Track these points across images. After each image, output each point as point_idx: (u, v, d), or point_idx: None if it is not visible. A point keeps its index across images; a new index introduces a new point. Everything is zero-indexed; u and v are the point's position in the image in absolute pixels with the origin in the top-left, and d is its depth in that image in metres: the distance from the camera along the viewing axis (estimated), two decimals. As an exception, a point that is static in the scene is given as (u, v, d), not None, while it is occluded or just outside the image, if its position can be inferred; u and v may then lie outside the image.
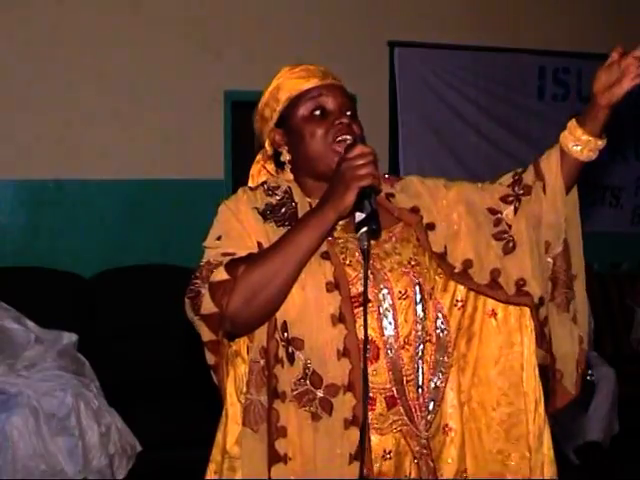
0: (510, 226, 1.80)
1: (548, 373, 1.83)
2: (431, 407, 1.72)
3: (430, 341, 1.72)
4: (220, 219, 1.73)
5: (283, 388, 1.63)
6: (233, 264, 1.62)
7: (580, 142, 1.77)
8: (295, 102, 1.74)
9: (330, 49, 5.22)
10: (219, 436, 1.76)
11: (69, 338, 4.10)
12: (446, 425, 1.77)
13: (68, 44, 4.85)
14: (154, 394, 4.34)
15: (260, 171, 1.90)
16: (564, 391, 1.85)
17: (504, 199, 1.83)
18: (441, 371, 1.74)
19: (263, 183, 1.80)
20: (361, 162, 1.58)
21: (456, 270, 1.75)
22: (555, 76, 5.89)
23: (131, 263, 4.86)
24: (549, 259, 1.82)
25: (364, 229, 1.58)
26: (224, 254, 1.64)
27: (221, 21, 5.13)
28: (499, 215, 1.81)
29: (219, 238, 1.69)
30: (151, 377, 4.47)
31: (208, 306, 1.61)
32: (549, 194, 1.82)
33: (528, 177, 1.85)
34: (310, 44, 5.17)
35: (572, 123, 1.77)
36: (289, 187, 1.77)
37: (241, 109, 5.42)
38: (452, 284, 1.79)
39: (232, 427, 1.73)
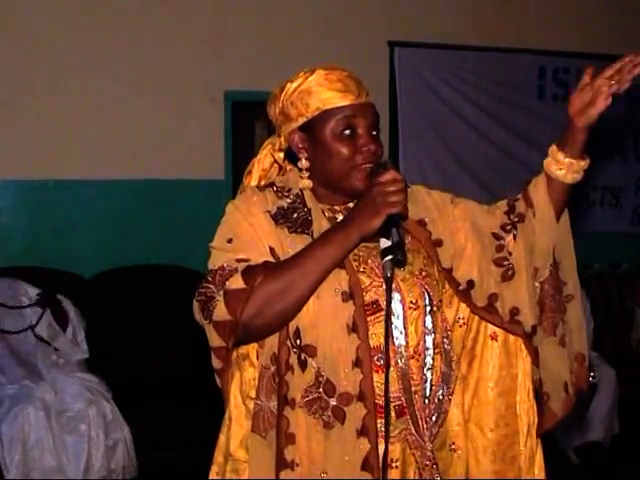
0: (511, 254, 1.81)
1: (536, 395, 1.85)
2: (435, 418, 1.72)
3: (439, 353, 1.73)
4: (230, 220, 1.71)
5: (293, 395, 1.63)
6: (250, 272, 1.61)
7: (563, 165, 1.77)
8: (326, 116, 1.72)
9: (330, 49, 5.21)
10: (222, 438, 1.76)
11: (83, 352, 4.16)
12: (453, 443, 1.78)
13: (68, 44, 4.85)
14: (154, 394, 4.34)
15: (267, 157, 1.89)
16: (550, 413, 1.85)
17: (503, 227, 1.85)
18: (446, 383, 1.75)
19: (271, 184, 1.79)
20: (393, 189, 1.60)
21: (460, 288, 1.78)
22: (555, 76, 5.89)
23: (131, 263, 4.86)
24: (537, 284, 1.82)
25: (389, 257, 1.59)
26: (238, 260, 1.63)
27: (221, 21, 5.13)
28: (502, 241, 1.83)
29: (230, 241, 1.67)
30: (151, 377, 4.47)
31: (221, 313, 1.61)
32: (540, 221, 1.81)
33: (520, 205, 1.85)
34: (310, 44, 5.17)
35: (553, 148, 1.78)
36: (300, 191, 1.76)
37: (241, 109, 5.43)
38: (456, 301, 1.81)
39: (236, 429, 1.73)
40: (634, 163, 6.14)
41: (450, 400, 1.77)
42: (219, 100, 5.14)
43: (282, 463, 1.63)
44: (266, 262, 1.63)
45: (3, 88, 4.78)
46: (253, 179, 1.89)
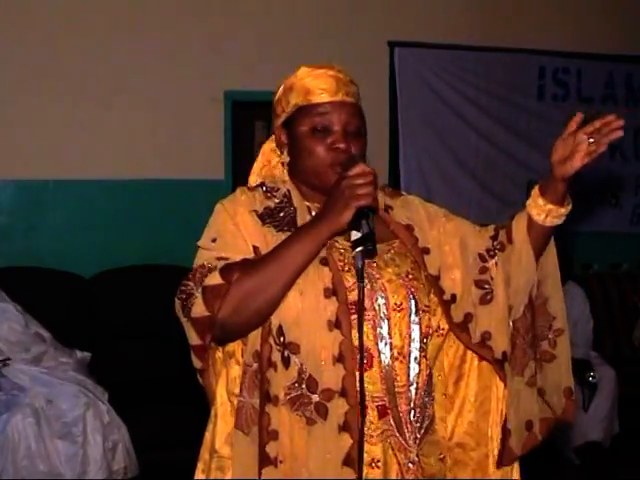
0: (492, 279, 1.80)
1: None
2: (420, 423, 1.72)
3: (425, 357, 1.74)
4: (216, 220, 1.74)
5: (275, 392, 1.64)
6: (228, 269, 1.63)
7: (542, 211, 1.75)
8: (302, 112, 1.74)
9: (330, 49, 5.21)
10: (207, 435, 1.77)
11: (83, 355, 4.15)
12: (440, 453, 1.78)
13: (68, 43, 4.85)
14: (154, 394, 4.34)
15: (272, 151, 1.91)
16: (510, 450, 1.82)
17: (488, 251, 1.83)
18: (429, 388, 1.76)
19: (261, 184, 1.80)
20: (361, 182, 1.61)
21: (444, 297, 1.77)
22: (555, 76, 5.88)
23: (131, 263, 4.86)
24: (510, 321, 1.80)
25: (359, 248, 1.59)
26: (219, 258, 1.66)
27: (221, 21, 5.13)
28: (486, 264, 1.81)
29: (214, 240, 1.70)
30: (151, 377, 4.47)
31: (199, 309, 1.63)
32: (517, 260, 1.79)
33: (502, 235, 1.83)
34: (310, 44, 5.16)
35: (535, 192, 1.76)
36: (288, 190, 1.77)
37: (241, 109, 5.43)
38: (439, 310, 1.79)
39: (221, 427, 1.74)
40: (634, 163, 6.14)
41: (432, 406, 1.77)
42: (219, 100, 5.14)
43: (265, 459, 1.63)
44: (244, 260, 1.65)
45: (3, 88, 4.78)
46: (254, 174, 1.90)
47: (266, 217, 1.72)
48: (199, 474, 1.78)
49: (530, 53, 5.76)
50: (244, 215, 1.71)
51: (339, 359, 1.62)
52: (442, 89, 5.58)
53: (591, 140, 1.66)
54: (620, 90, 6.05)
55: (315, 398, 1.63)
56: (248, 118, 6.19)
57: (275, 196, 1.76)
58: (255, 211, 1.72)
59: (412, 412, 1.71)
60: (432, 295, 1.76)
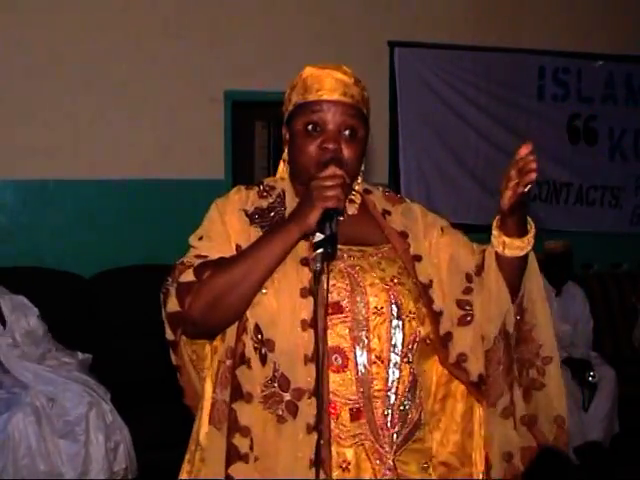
0: (474, 301, 1.77)
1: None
2: (398, 428, 1.70)
3: (407, 362, 1.71)
4: (207, 218, 1.77)
5: (249, 389, 1.64)
6: (201, 267, 1.66)
7: (499, 243, 1.72)
8: (299, 110, 1.74)
9: (330, 49, 5.21)
10: (194, 428, 1.80)
11: (85, 356, 4.16)
12: (426, 462, 1.75)
13: (68, 43, 4.85)
14: (154, 394, 4.34)
15: None
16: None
17: (474, 271, 1.79)
18: (411, 395, 1.72)
19: (260, 183, 1.82)
20: (329, 183, 1.59)
21: (434, 307, 1.74)
22: (555, 76, 5.89)
23: (131, 263, 4.86)
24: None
25: (319, 250, 1.57)
26: (197, 256, 1.70)
27: (221, 21, 5.13)
28: (471, 285, 1.77)
29: (201, 238, 1.74)
30: (151, 377, 4.46)
31: (172, 305, 1.68)
32: (487, 288, 1.75)
33: (481, 259, 1.79)
34: (310, 44, 5.17)
35: (495, 224, 1.73)
36: (283, 190, 1.78)
37: (241, 109, 5.43)
38: (428, 320, 1.76)
39: (205, 420, 1.76)
40: (634, 163, 6.14)
41: (417, 412, 1.73)
42: (219, 100, 5.14)
43: (235, 455, 1.64)
44: (220, 258, 1.67)
45: (3, 88, 4.78)
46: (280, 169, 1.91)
47: (255, 217, 1.73)
48: (185, 464, 1.81)
49: (530, 53, 5.76)
50: (233, 214, 1.73)
51: (311, 359, 1.61)
52: (442, 89, 5.58)
53: (516, 181, 1.59)
54: (620, 90, 6.06)
55: (286, 396, 1.62)
56: (248, 118, 6.20)
57: (270, 195, 1.78)
58: (245, 210, 1.73)
59: (389, 417, 1.68)
60: (420, 304, 1.73)
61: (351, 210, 1.79)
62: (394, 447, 1.69)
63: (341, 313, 1.66)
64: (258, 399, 1.64)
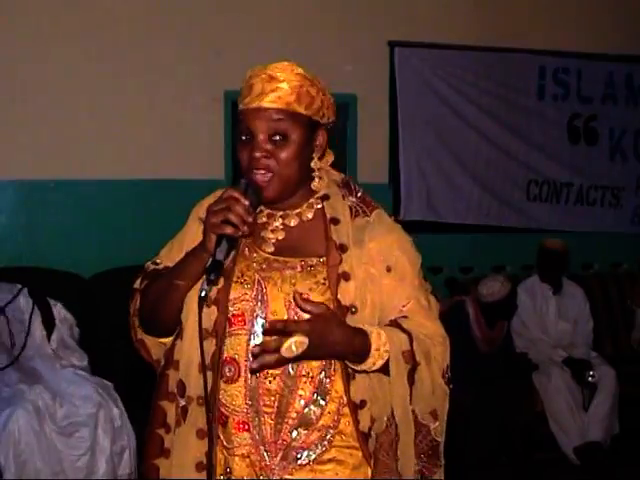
0: None
1: None
2: (289, 450, 1.64)
3: (310, 383, 1.63)
4: (185, 223, 1.82)
5: (173, 389, 1.71)
6: (146, 275, 1.78)
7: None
8: (239, 118, 1.71)
9: (330, 49, 5.21)
10: None
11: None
12: None
13: (67, 43, 4.85)
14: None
15: None
16: None
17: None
18: (311, 417, 1.64)
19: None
20: (216, 208, 1.57)
21: None
22: (555, 76, 5.88)
23: (131, 263, 4.84)
24: (373, 434, 1.66)
25: (204, 276, 1.56)
26: (153, 262, 1.80)
27: (221, 20, 5.13)
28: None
29: (171, 245, 1.83)
30: (151, 377, 4.46)
31: (130, 307, 1.82)
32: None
33: None
34: (310, 44, 5.16)
35: None
36: None
37: (241, 109, 5.42)
38: None
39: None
40: (634, 163, 6.14)
41: (318, 434, 1.64)
42: (219, 100, 5.14)
43: (160, 450, 1.72)
44: (165, 267, 1.75)
45: (3, 88, 4.78)
46: None
47: None
48: None
49: (530, 53, 5.76)
50: (194, 221, 1.77)
51: (208, 367, 1.61)
52: (442, 89, 5.58)
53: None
54: (620, 90, 6.06)
55: (182, 402, 1.68)
56: (248, 118, 6.17)
57: None
58: (200, 219, 1.70)
59: (281, 434, 1.64)
60: None
61: (306, 216, 1.72)
62: (283, 464, 1.65)
63: (244, 324, 1.65)
64: (176, 402, 1.70)
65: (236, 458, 1.67)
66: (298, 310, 1.57)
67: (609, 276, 5.87)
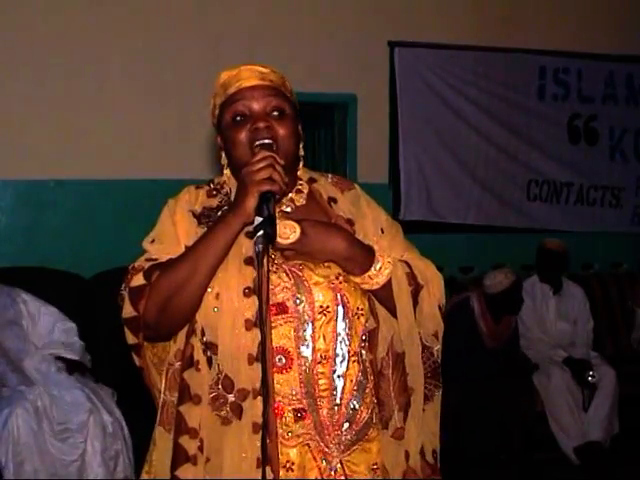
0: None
1: None
2: (345, 428, 1.68)
3: (356, 361, 1.69)
4: (160, 220, 1.79)
5: (198, 391, 1.65)
6: (151, 269, 1.66)
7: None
8: (223, 109, 1.73)
9: (330, 49, 5.22)
10: (156, 426, 1.79)
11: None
12: (375, 463, 1.72)
13: (69, 44, 4.85)
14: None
15: None
16: None
17: None
18: (360, 393, 1.70)
19: (210, 182, 1.82)
20: (259, 166, 1.58)
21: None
22: (555, 76, 5.88)
23: (131, 263, 4.85)
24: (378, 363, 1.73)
25: (260, 233, 1.54)
26: (148, 259, 1.71)
27: (221, 20, 5.13)
28: None
29: (153, 241, 1.75)
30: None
31: (128, 310, 1.67)
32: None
33: None
34: (310, 44, 5.17)
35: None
36: (230, 189, 1.77)
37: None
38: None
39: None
40: (634, 163, 6.14)
41: (367, 411, 1.70)
42: (219, 100, 5.14)
43: (182, 457, 1.65)
44: (168, 260, 1.67)
45: (3, 88, 4.78)
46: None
47: (203, 217, 1.73)
48: (145, 463, 1.80)
49: (530, 53, 5.76)
50: (182, 215, 1.74)
51: (256, 359, 1.59)
52: (442, 89, 5.58)
53: None
54: (620, 90, 6.06)
55: (231, 398, 1.62)
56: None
57: (220, 193, 1.77)
58: (192, 211, 1.73)
59: (336, 417, 1.67)
60: (366, 299, 1.71)
61: (299, 201, 1.76)
62: (341, 447, 1.67)
63: (285, 313, 1.65)
64: (207, 401, 1.64)
65: (295, 449, 1.65)
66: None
67: (609, 276, 5.87)
